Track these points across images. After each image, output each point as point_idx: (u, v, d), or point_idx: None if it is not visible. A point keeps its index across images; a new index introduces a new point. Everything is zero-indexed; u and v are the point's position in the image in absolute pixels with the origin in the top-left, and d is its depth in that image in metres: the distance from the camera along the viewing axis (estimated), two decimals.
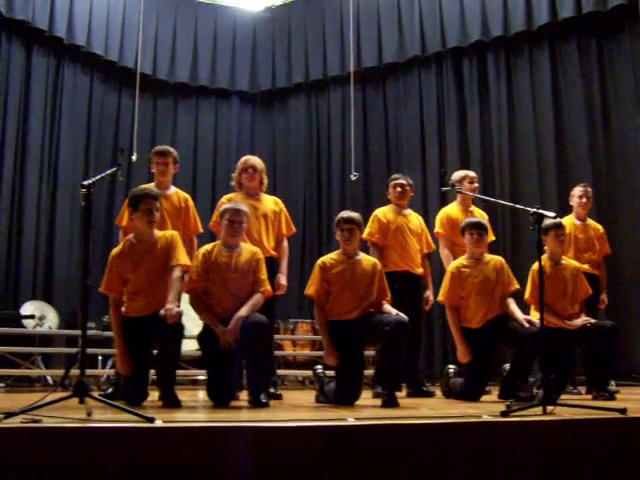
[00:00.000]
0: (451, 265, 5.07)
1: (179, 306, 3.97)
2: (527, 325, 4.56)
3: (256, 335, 3.98)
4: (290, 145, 10.15)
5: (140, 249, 4.14)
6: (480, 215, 5.87)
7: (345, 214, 4.50)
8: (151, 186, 4.87)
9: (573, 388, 5.71)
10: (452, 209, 5.91)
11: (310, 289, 4.45)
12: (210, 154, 9.98)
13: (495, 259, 5.00)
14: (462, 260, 5.01)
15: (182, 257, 4.21)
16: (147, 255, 4.13)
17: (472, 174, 6.02)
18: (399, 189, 5.69)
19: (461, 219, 5.57)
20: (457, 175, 6.02)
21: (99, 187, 7.50)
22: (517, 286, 4.97)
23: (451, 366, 5.24)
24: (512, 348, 4.76)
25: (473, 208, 5.98)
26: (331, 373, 4.57)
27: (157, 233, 4.23)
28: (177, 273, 4.11)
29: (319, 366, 4.88)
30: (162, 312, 3.85)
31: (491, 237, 5.95)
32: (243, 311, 4.07)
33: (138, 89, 8.67)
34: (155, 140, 9.18)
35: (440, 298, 5.04)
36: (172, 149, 5.19)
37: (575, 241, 5.93)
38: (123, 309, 4.19)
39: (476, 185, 5.98)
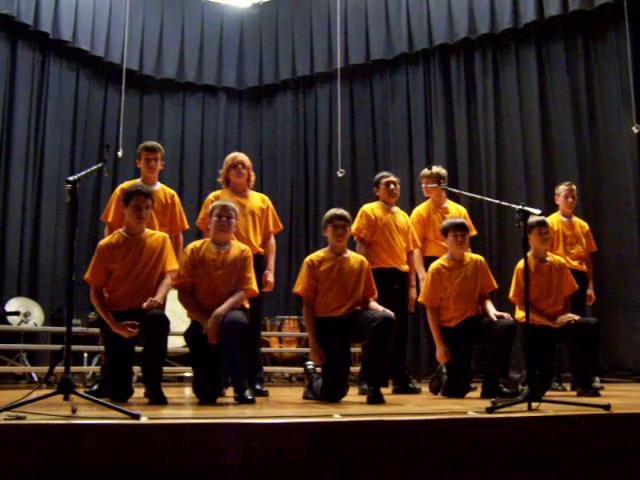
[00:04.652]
0: (431, 266, 5.07)
1: (164, 307, 4.14)
2: (496, 319, 4.64)
3: (231, 333, 3.96)
4: (277, 142, 10.12)
5: (129, 242, 4.23)
6: (457, 210, 5.94)
7: (338, 211, 4.52)
8: (137, 182, 4.87)
9: (558, 385, 5.76)
10: (423, 207, 5.98)
11: (298, 287, 4.46)
12: (197, 151, 9.94)
13: (475, 258, 5.02)
14: (442, 261, 5.02)
15: (175, 262, 4.34)
16: (135, 248, 4.22)
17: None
18: (392, 186, 5.67)
19: (432, 216, 5.76)
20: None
21: (85, 183, 7.42)
22: (495, 286, 5.02)
23: None
24: (488, 344, 4.75)
25: (449, 203, 6.00)
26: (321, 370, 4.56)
27: (147, 231, 4.34)
28: (168, 280, 4.26)
29: (310, 362, 4.87)
30: (145, 304, 3.96)
31: (472, 232, 5.98)
32: (222, 309, 4.06)
33: (124, 85, 8.62)
34: (141, 136, 9.12)
35: (420, 299, 5.09)
36: (160, 145, 5.20)
37: (563, 237, 5.99)
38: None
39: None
